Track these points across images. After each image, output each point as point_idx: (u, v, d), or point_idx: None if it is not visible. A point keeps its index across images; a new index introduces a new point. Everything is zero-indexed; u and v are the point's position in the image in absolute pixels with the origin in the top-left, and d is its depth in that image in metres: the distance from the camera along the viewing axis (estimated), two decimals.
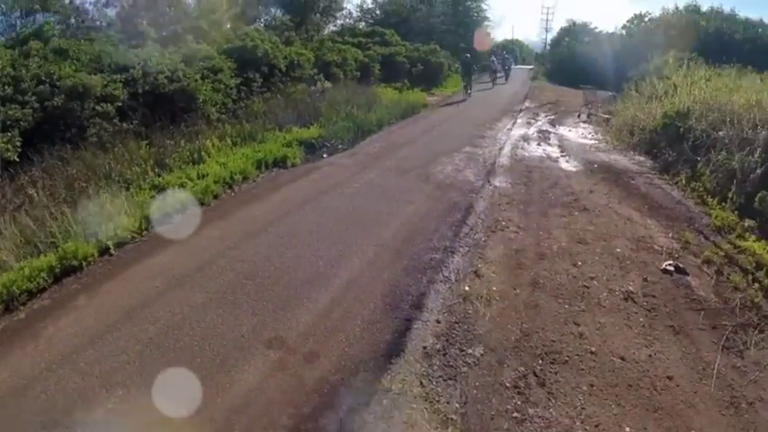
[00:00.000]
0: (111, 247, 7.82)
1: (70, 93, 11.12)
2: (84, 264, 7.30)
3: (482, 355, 5.47)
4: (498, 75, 42.75)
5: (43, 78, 11.10)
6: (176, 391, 4.82)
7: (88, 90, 11.42)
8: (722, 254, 8.26)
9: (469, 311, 6.28)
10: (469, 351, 5.51)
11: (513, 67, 57.58)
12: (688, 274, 7.53)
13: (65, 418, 4.44)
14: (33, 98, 10.59)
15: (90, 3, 21.10)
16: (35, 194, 8.70)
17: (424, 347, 5.53)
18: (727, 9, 43.45)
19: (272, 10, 32.24)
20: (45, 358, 5.25)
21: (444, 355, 5.42)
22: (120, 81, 12.57)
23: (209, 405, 4.62)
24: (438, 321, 6.05)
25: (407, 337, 5.71)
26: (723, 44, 32.36)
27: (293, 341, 5.58)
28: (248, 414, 4.54)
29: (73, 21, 19.81)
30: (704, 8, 43.49)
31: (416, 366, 5.22)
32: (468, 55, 33.13)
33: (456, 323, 6.01)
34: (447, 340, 5.68)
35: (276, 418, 4.48)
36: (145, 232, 8.57)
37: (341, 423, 4.47)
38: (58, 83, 11.17)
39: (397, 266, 7.39)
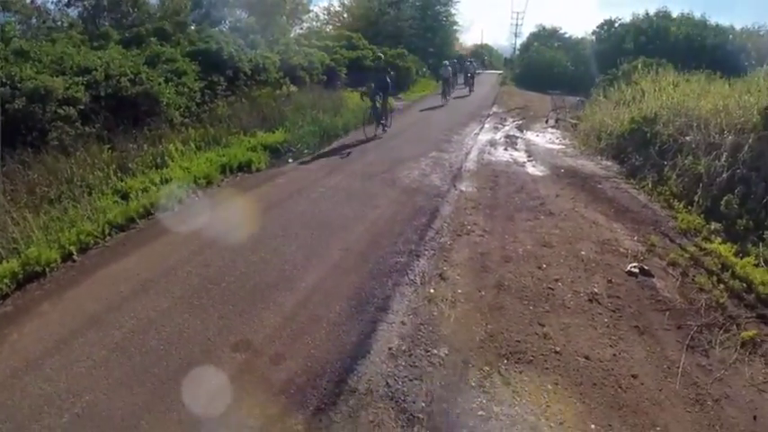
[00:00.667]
0: (75, 253, 7.84)
1: (32, 95, 11.02)
2: (47, 270, 7.30)
3: (447, 355, 5.59)
4: (458, 84, 37.81)
5: (4, 80, 10.98)
6: (144, 396, 4.84)
7: (50, 92, 11.33)
8: (687, 256, 8.48)
9: (434, 313, 6.40)
10: (435, 351, 5.63)
11: (480, 72, 57.62)
12: (653, 276, 7.73)
13: (32, 424, 4.46)
14: None
15: (52, 2, 21.00)
16: None
17: (390, 348, 5.64)
18: (697, 15, 44.18)
19: (238, 12, 32.20)
20: (9, 365, 5.26)
21: (410, 355, 5.54)
22: (83, 83, 12.46)
23: (176, 407, 4.68)
24: (403, 323, 6.16)
25: (373, 338, 5.82)
26: (693, 50, 32.93)
27: (259, 344, 5.66)
28: (214, 416, 4.62)
29: (34, 21, 19.70)
30: (675, 14, 44.09)
31: (382, 367, 5.32)
32: (382, 55, 24.27)
33: (421, 324, 6.13)
34: (412, 341, 5.79)
35: (243, 420, 4.58)
36: (108, 237, 8.58)
37: (308, 423, 4.55)
38: (19, 85, 11.06)
39: (362, 270, 7.50)
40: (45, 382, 5.00)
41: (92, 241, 8.29)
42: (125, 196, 9.98)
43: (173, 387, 4.95)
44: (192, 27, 23.99)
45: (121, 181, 10.59)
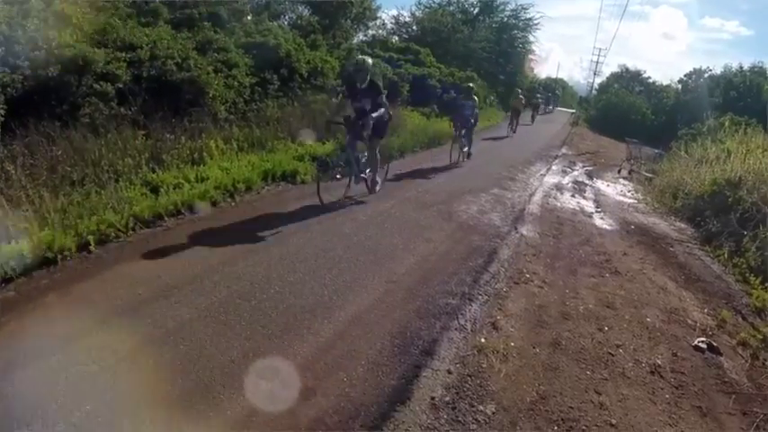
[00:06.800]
0: (92, 243, 7.84)
1: (68, 64, 11.10)
2: (59, 257, 7.32)
3: (494, 413, 5.45)
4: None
5: (40, 44, 11.00)
6: (149, 415, 4.72)
7: (89, 64, 11.43)
8: (760, 337, 8.25)
9: (484, 365, 6.27)
10: (481, 408, 5.49)
11: (551, 109, 57.50)
12: (721, 355, 7.55)
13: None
14: (26, 63, 10.48)
15: None
16: (12, 171, 8.66)
17: (432, 398, 5.51)
18: None
19: (300, 8, 32.36)
20: (2, 357, 5.22)
21: (453, 408, 5.40)
22: (125, 60, 12.55)
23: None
24: (449, 372, 6.03)
25: (415, 384, 5.69)
26: None
27: (288, 374, 5.56)
28: None
29: None
30: None
31: (422, 417, 5.19)
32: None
33: (468, 376, 6.00)
34: (457, 393, 5.66)
35: None
36: (131, 232, 8.61)
37: None
38: (55, 51, 11.10)
39: (409, 307, 7.40)
40: (40, 383, 4.93)
41: (113, 233, 8.32)
42: (155, 190, 10.03)
43: (185, 411, 4.84)
44: (250, 17, 24.11)
45: (153, 172, 10.67)
